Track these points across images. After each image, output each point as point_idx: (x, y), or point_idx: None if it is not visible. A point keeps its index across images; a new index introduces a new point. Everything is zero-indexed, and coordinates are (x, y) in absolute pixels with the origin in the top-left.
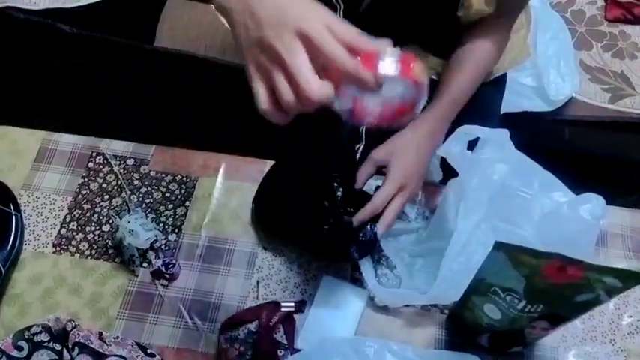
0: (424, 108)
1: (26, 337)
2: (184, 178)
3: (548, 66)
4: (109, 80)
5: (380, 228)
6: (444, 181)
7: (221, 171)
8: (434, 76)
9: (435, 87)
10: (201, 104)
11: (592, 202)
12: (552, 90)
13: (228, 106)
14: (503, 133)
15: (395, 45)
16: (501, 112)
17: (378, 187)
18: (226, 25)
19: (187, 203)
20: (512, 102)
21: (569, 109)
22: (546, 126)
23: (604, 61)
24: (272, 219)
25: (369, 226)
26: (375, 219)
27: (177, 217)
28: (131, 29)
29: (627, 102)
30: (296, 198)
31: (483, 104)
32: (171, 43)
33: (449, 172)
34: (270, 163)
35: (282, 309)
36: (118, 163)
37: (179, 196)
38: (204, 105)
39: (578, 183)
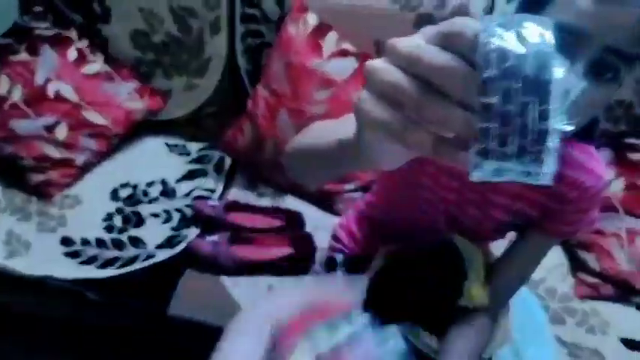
0: None
1: None
2: None
3: (526, 341)
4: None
5: None
6: None
7: None
8: (432, 355)
9: None
10: None
11: None
12: None
13: None
14: None
15: (392, 321)
16: None
17: None
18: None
19: None
20: None
21: None
22: None
23: (578, 337)
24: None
25: None
26: None
27: None
28: (149, 298)
29: None
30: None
31: None
32: (183, 311)
33: None
34: None
35: None
36: None
37: None
38: None
39: None
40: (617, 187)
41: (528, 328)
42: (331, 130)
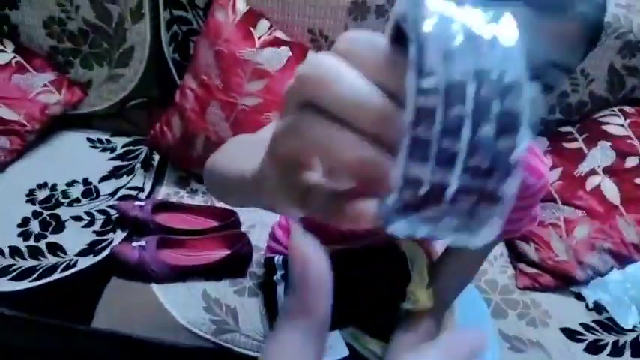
0: None
1: None
2: None
3: None
4: None
5: None
6: None
7: None
8: None
9: None
10: None
11: None
12: None
13: None
14: None
15: (335, 327)
16: None
17: None
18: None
19: None
20: None
21: None
22: None
23: (520, 329)
24: None
25: None
26: None
27: None
28: (70, 311)
29: None
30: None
31: None
32: (109, 323)
33: None
34: None
35: None
36: None
37: None
38: None
39: None
40: (553, 176)
41: (470, 322)
42: (249, 154)
